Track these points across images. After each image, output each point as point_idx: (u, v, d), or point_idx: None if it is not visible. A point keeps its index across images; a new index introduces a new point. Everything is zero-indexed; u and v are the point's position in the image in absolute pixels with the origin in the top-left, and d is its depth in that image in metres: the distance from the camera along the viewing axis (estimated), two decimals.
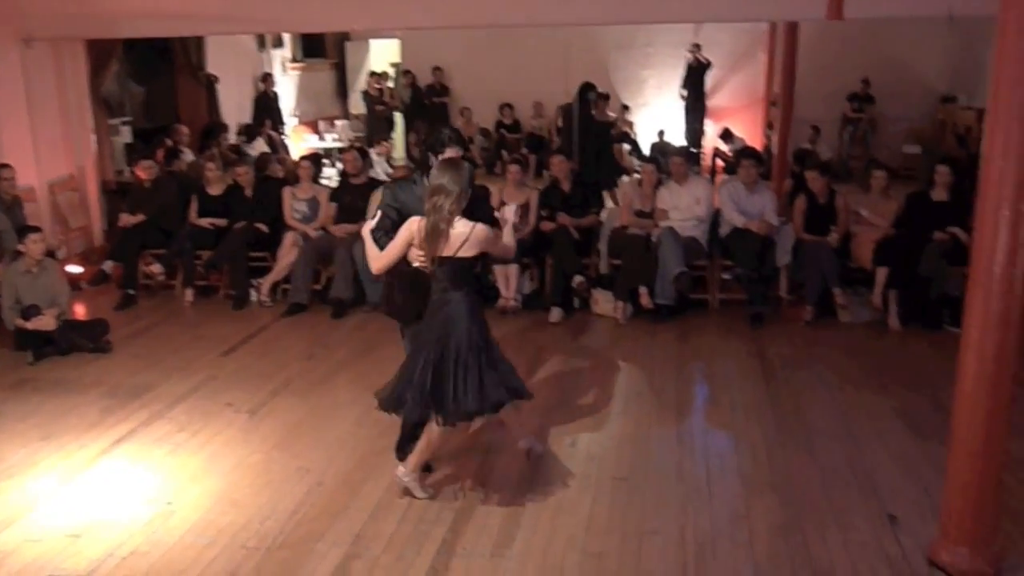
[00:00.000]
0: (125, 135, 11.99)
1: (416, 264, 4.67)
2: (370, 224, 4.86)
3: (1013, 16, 3.51)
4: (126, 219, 8.90)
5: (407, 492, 4.83)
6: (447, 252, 4.54)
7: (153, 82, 13.14)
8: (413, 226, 4.60)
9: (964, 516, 4.01)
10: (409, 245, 4.64)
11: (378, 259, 4.74)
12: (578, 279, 8.03)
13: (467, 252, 4.56)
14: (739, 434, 5.61)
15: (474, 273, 4.78)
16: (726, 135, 15.02)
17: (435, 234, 4.51)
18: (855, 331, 7.58)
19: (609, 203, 8.86)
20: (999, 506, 4.06)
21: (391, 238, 4.70)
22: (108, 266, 9.08)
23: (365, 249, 4.87)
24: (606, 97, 14.19)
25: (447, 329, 4.57)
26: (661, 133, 15.49)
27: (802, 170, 9.02)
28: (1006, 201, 3.60)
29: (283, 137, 14.71)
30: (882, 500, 4.73)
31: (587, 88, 12.38)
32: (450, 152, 4.90)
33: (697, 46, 15.30)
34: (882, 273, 7.56)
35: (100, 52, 10.32)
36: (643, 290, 7.80)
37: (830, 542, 4.34)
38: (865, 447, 5.37)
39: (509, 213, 5.00)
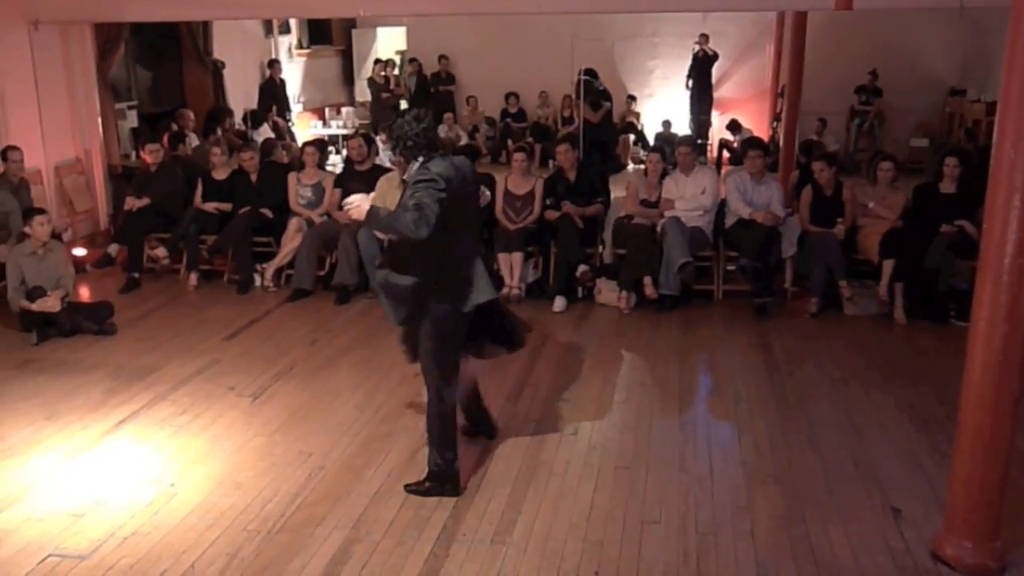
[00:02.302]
0: (131, 119, 11.96)
1: None
2: None
3: None
4: (131, 202, 8.90)
5: None
6: None
7: (160, 67, 13.12)
8: None
9: (969, 510, 3.99)
10: None
11: None
12: (582, 268, 8.01)
13: None
14: (742, 425, 5.59)
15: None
16: (733, 126, 14.97)
17: None
18: (860, 324, 7.55)
19: (615, 192, 8.82)
20: (1004, 501, 4.03)
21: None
22: (113, 249, 9.11)
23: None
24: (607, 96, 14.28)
25: None
26: (667, 123, 15.45)
27: (808, 161, 8.99)
28: (1017, 192, 3.57)
29: (289, 124, 14.68)
30: (885, 493, 4.71)
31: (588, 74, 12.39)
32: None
33: (705, 37, 15.23)
34: (888, 266, 7.52)
35: (107, 36, 10.30)
36: (647, 280, 7.78)
37: (833, 535, 4.32)
38: (868, 440, 5.35)
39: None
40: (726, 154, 14.59)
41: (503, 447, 5.24)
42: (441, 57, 16.63)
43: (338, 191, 8.58)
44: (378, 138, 12.60)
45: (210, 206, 8.84)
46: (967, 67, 15.08)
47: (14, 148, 8.29)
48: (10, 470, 4.99)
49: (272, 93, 14.65)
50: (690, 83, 15.63)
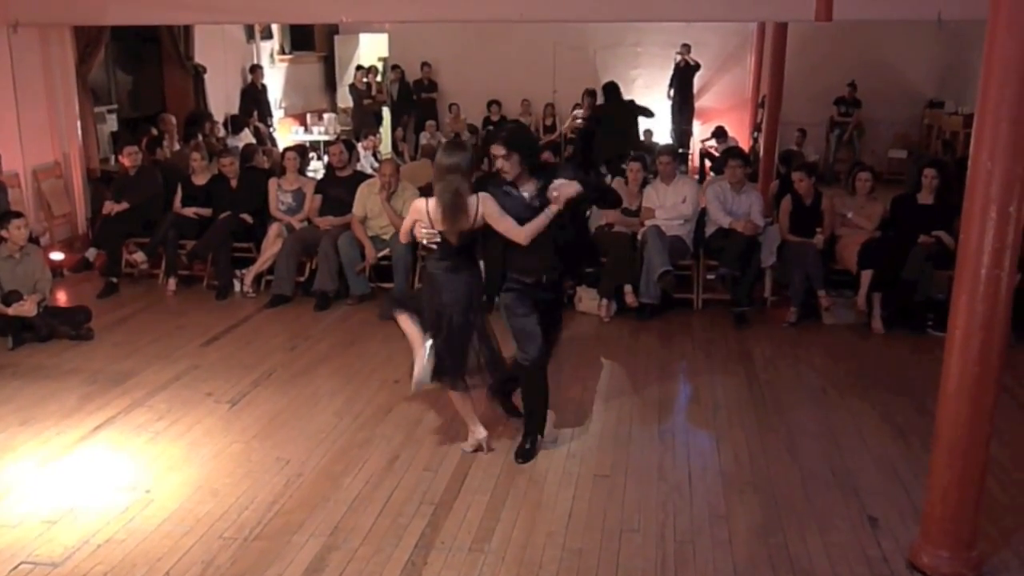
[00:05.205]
0: (111, 123, 11.89)
1: (426, 241, 4.97)
2: None
3: (1003, 17, 3.51)
4: (110, 207, 8.84)
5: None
6: (466, 226, 4.84)
7: (140, 71, 13.05)
8: (421, 206, 4.93)
9: (945, 519, 4.00)
10: (415, 223, 4.97)
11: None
12: None
13: (478, 225, 4.87)
14: (721, 434, 5.60)
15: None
16: (719, 133, 14.98)
17: (456, 210, 4.79)
18: (839, 333, 7.58)
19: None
20: (981, 510, 4.06)
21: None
22: (91, 254, 9.05)
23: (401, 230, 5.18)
24: None
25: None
26: (648, 132, 15.47)
27: (788, 171, 9.03)
28: (993, 202, 3.59)
29: (270, 129, 14.63)
30: (863, 502, 4.73)
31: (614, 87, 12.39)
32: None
33: (686, 47, 15.29)
34: (867, 276, 7.56)
35: (87, 39, 10.23)
36: (628, 288, 7.79)
37: (810, 543, 4.33)
38: (846, 449, 5.37)
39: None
40: (707, 164, 14.62)
41: (482, 454, 5.22)
42: (423, 64, 16.63)
43: (319, 197, 8.58)
44: (359, 144, 12.61)
45: (190, 211, 8.80)
46: (945, 79, 15.25)
47: None
48: None
49: (253, 98, 14.61)
50: (672, 92, 15.69)
